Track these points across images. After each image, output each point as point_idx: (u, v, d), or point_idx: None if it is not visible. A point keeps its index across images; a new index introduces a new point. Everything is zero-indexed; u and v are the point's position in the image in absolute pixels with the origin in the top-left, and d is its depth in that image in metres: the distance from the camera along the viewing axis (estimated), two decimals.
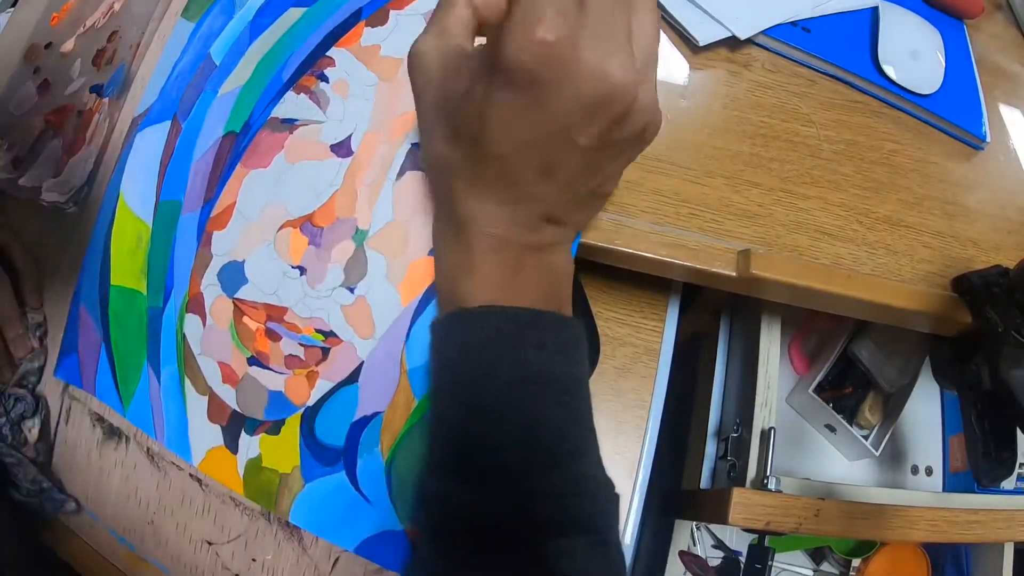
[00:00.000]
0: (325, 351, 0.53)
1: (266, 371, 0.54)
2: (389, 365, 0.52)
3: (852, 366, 0.94)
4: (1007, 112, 0.74)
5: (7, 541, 0.62)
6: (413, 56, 0.41)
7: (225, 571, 0.56)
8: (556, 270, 0.45)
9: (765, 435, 0.77)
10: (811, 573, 1.02)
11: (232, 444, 0.53)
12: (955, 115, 0.69)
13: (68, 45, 0.62)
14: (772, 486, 0.72)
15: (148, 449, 0.58)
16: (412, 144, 0.56)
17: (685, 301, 0.76)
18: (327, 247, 0.55)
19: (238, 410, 0.54)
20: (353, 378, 0.53)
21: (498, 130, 0.37)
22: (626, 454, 0.68)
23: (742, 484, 0.75)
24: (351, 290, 0.54)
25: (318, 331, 0.54)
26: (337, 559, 0.55)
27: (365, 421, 0.52)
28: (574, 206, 0.43)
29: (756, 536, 0.79)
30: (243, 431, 0.54)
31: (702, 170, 0.63)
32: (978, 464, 0.59)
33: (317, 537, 0.55)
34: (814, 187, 0.64)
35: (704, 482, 0.85)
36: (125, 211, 0.59)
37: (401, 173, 0.56)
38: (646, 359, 0.71)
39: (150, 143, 0.60)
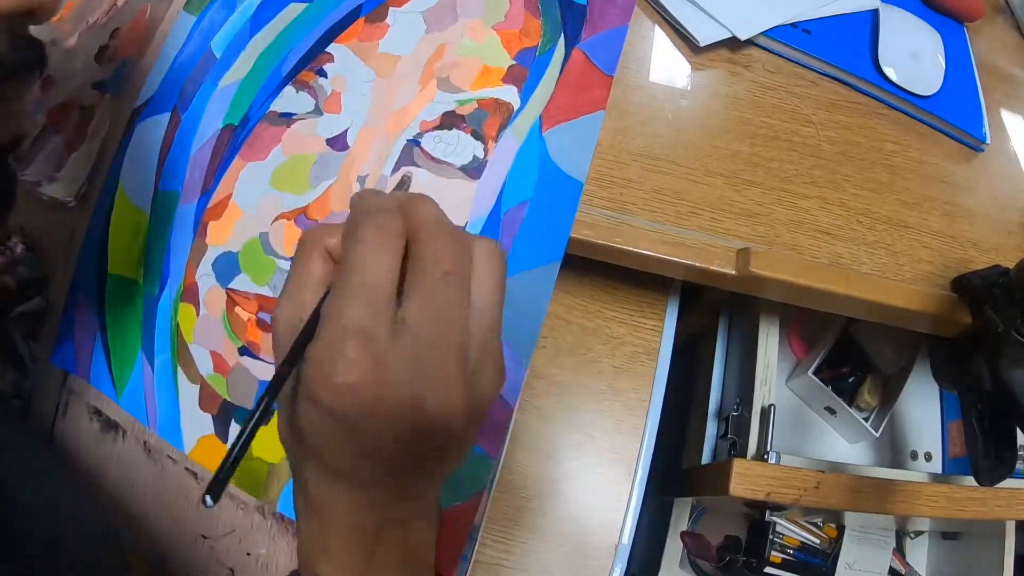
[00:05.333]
0: None
1: (257, 361, 0.54)
2: None
3: (851, 349, 0.94)
4: (1007, 114, 0.74)
5: None
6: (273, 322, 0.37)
7: (220, 565, 0.56)
8: (414, 543, 0.42)
9: (765, 412, 0.77)
10: None
11: (223, 433, 0.54)
12: (955, 117, 0.69)
13: (71, 42, 0.62)
14: (772, 461, 0.72)
15: (145, 443, 0.58)
16: (408, 140, 0.57)
17: (684, 303, 0.75)
18: None
19: (229, 399, 0.54)
20: None
21: (318, 440, 0.34)
22: (624, 453, 0.68)
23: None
24: None
25: None
26: None
27: None
28: (424, 483, 0.40)
29: (756, 513, 0.79)
30: (233, 420, 0.54)
31: (702, 169, 0.63)
32: (978, 464, 0.59)
33: None
34: (814, 187, 0.64)
35: (705, 461, 0.85)
36: (124, 201, 0.60)
37: (396, 168, 0.56)
38: (645, 358, 0.71)
39: (150, 134, 0.61)
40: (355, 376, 0.30)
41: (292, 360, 0.33)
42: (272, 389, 0.32)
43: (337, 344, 0.30)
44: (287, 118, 0.58)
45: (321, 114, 0.58)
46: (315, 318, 0.33)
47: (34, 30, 0.60)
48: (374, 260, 0.32)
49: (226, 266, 0.56)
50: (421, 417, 0.32)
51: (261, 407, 0.31)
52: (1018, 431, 0.57)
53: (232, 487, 0.55)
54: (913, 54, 0.70)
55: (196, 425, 0.54)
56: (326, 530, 0.38)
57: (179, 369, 0.55)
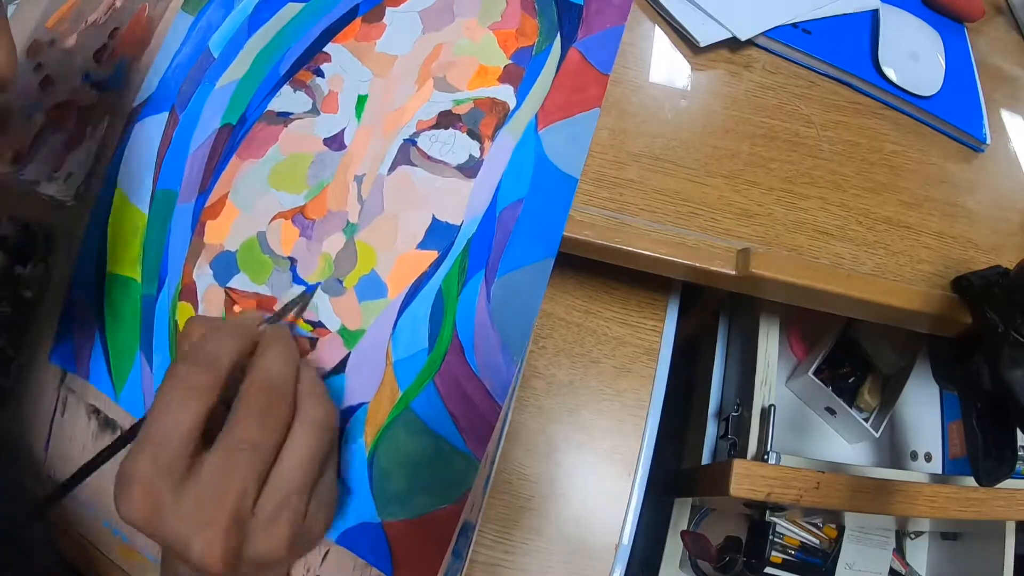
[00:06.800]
0: (313, 341, 0.54)
1: None
2: (375, 356, 0.53)
3: (851, 349, 0.95)
4: (1007, 115, 0.74)
5: None
6: None
7: None
8: None
9: (765, 413, 0.77)
10: None
11: None
12: (955, 117, 0.69)
13: (70, 41, 0.63)
14: (772, 461, 0.73)
15: None
16: (404, 139, 0.57)
17: (684, 303, 0.75)
18: (318, 239, 0.55)
19: None
20: (340, 369, 0.53)
21: None
22: (625, 454, 0.68)
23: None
24: (340, 282, 0.54)
25: (307, 321, 0.54)
26: (327, 552, 0.55)
27: (350, 411, 0.52)
28: None
29: (756, 513, 0.80)
30: None
31: (702, 169, 0.63)
32: (978, 464, 0.58)
33: None
34: (814, 187, 0.64)
35: (705, 461, 0.85)
36: (122, 200, 0.60)
37: (393, 167, 0.56)
38: (645, 359, 0.71)
39: (148, 133, 0.61)
40: (135, 516, 0.37)
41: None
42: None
43: (124, 486, 0.37)
44: (284, 117, 0.58)
45: (318, 114, 0.58)
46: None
47: (33, 29, 0.60)
48: (168, 416, 0.37)
49: (224, 265, 0.56)
50: (186, 555, 0.37)
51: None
52: (1018, 431, 0.57)
53: None
54: (913, 54, 0.70)
55: None
56: None
57: None
